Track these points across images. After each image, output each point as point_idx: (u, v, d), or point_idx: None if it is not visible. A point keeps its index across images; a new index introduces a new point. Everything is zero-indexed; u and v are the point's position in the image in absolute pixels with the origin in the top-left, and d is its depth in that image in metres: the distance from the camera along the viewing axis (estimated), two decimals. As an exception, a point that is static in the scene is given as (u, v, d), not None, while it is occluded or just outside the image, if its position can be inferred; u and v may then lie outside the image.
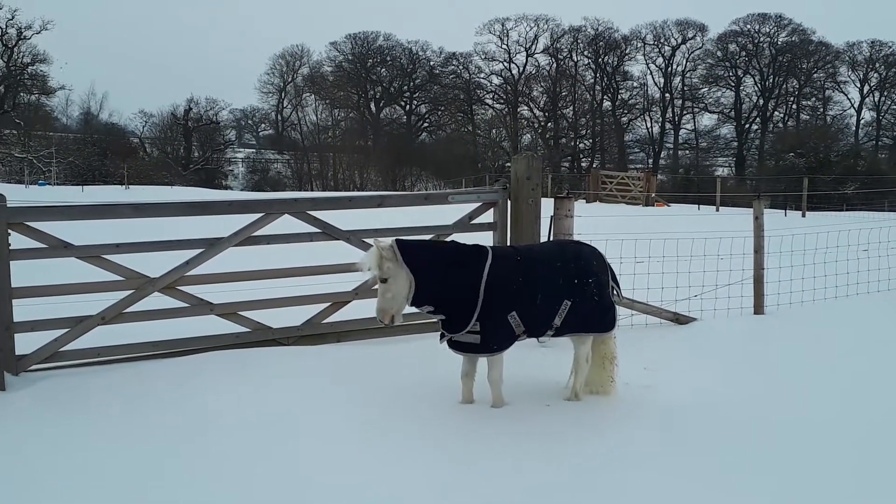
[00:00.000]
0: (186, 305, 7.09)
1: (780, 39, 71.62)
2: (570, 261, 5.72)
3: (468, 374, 5.76)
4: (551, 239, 7.70)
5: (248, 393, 5.89)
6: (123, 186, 49.05)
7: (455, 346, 5.57)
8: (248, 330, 7.26)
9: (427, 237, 7.70)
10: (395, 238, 5.36)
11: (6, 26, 64.85)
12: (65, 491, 4.32)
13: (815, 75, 70.79)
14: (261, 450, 4.86)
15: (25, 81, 67.67)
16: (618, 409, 5.76)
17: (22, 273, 6.51)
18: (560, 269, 5.64)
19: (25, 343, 6.52)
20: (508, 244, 7.79)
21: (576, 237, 7.64)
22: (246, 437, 5.06)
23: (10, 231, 6.33)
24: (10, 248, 6.34)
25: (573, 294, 5.61)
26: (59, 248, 6.59)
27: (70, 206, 7.22)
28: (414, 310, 5.65)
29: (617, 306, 6.01)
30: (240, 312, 7.26)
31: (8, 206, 6.34)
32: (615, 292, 6.01)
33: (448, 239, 6.56)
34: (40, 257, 6.60)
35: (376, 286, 5.38)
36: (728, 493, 4.36)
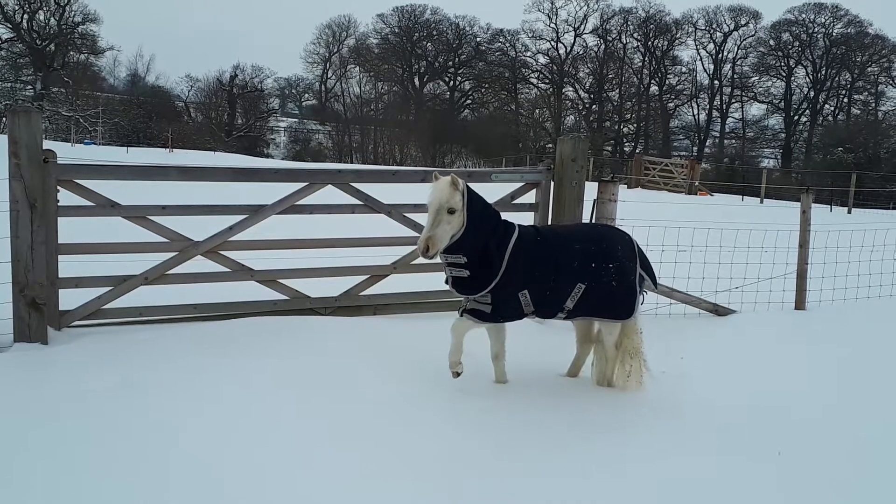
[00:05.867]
0: (228, 270, 7.16)
1: (836, 31, 69.89)
2: (590, 243, 5.61)
3: (498, 355, 5.78)
4: (596, 222, 7.64)
5: (278, 359, 5.95)
6: (167, 149, 49.59)
7: (467, 310, 5.51)
8: (287, 298, 7.32)
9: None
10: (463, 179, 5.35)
11: (60, -16, 65.61)
12: (96, 446, 4.40)
13: (868, 69, 69.08)
14: (276, 416, 4.91)
15: (75, 40, 68.39)
16: (650, 398, 5.70)
17: (68, 230, 6.62)
18: (578, 251, 5.55)
19: (69, 299, 6.64)
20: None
21: (617, 223, 7.58)
22: (264, 402, 5.12)
23: (59, 188, 6.43)
24: (59, 204, 6.44)
25: (588, 277, 5.51)
26: (107, 206, 6.68)
27: (119, 166, 7.31)
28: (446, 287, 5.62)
29: (641, 297, 5.84)
30: (279, 280, 7.32)
31: (58, 162, 6.43)
32: (645, 281, 5.83)
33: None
34: (88, 215, 6.70)
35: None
36: (749, 485, 4.32)
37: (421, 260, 5.46)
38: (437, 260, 5.42)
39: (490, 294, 5.36)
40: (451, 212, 5.21)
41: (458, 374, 5.54)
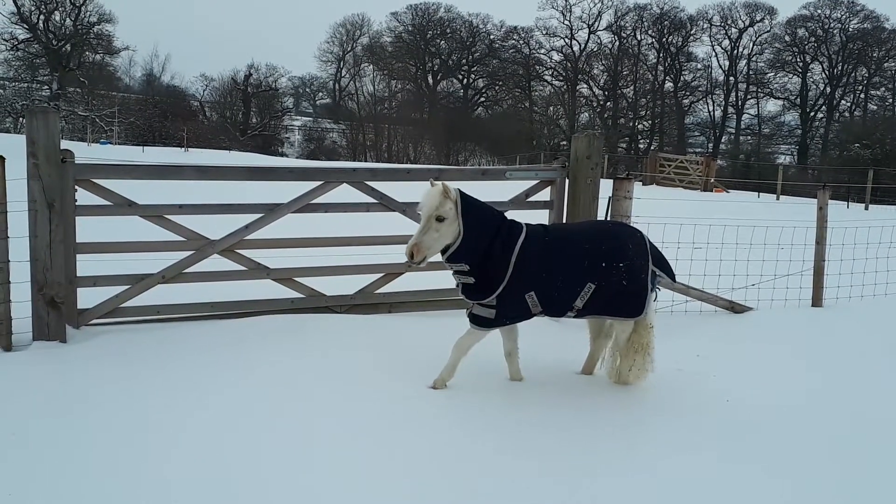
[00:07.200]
0: (244, 269, 7.20)
1: (852, 26, 69.33)
2: (600, 242, 5.53)
3: (511, 353, 5.76)
4: (608, 219, 7.62)
5: (293, 357, 5.99)
6: (183, 149, 49.81)
7: (471, 317, 5.50)
8: (303, 296, 7.35)
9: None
10: (457, 188, 5.32)
11: (76, -15, 65.98)
12: (116, 443, 4.42)
13: (886, 64, 68.48)
14: (285, 414, 4.94)
15: (91, 41, 68.73)
16: (665, 395, 5.68)
17: (86, 229, 6.67)
18: (588, 250, 5.48)
19: (87, 297, 6.70)
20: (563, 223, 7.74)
21: (632, 220, 7.56)
22: (274, 400, 5.15)
23: (76, 187, 6.48)
24: (77, 203, 6.49)
25: (598, 277, 5.44)
26: (124, 206, 6.72)
27: (136, 166, 7.35)
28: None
29: (654, 294, 5.79)
30: (295, 278, 7.35)
31: (76, 162, 6.47)
32: (658, 278, 5.76)
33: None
34: (105, 214, 6.76)
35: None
36: (760, 486, 4.31)
37: (437, 258, 5.44)
38: (436, 259, 5.40)
39: (496, 298, 5.33)
40: (441, 220, 5.18)
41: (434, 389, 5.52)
